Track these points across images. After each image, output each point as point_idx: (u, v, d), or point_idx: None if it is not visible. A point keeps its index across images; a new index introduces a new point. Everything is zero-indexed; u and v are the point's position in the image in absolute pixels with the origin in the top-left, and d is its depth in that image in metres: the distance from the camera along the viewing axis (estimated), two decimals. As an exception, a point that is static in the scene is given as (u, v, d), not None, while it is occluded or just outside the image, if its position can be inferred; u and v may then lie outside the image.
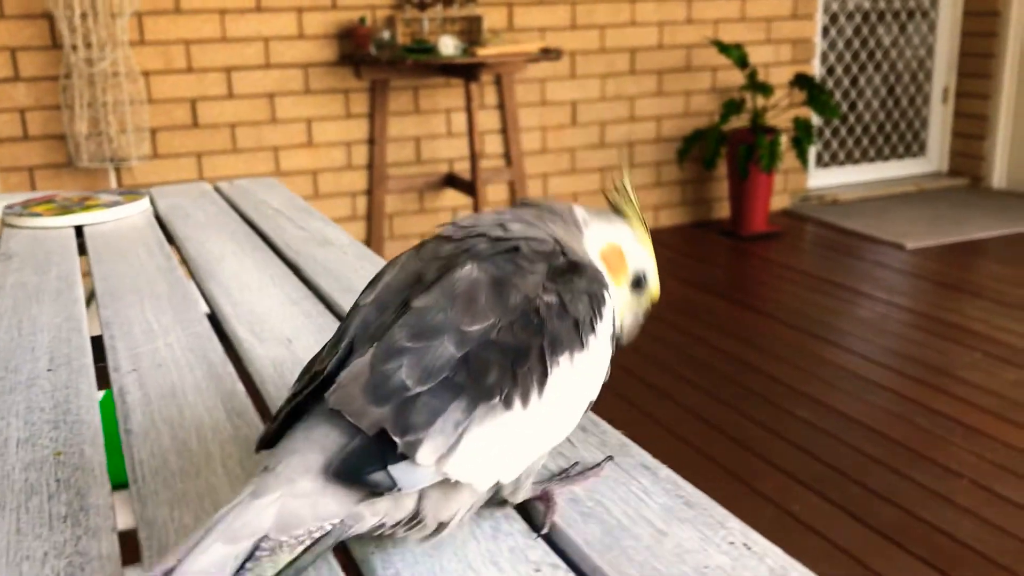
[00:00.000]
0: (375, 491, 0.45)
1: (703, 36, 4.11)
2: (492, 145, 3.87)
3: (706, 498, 0.53)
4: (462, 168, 3.81)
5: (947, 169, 4.88)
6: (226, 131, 3.49)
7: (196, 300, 0.89)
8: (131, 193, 1.30)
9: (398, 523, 0.47)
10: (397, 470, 0.44)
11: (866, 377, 2.64)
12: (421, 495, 0.46)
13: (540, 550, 0.49)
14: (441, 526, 0.48)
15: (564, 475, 0.57)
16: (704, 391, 2.57)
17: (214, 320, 0.84)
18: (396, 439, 0.44)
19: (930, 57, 4.77)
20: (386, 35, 3.52)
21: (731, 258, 3.91)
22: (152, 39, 3.33)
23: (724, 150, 4.06)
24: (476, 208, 3.53)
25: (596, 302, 0.53)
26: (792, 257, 3.85)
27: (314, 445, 0.45)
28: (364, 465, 0.44)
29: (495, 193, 3.91)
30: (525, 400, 0.47)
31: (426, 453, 0.45)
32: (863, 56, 4.64)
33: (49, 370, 0.72)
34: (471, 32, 3.68)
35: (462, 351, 0.46)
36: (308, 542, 0.43)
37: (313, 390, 0.49)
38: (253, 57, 3.47)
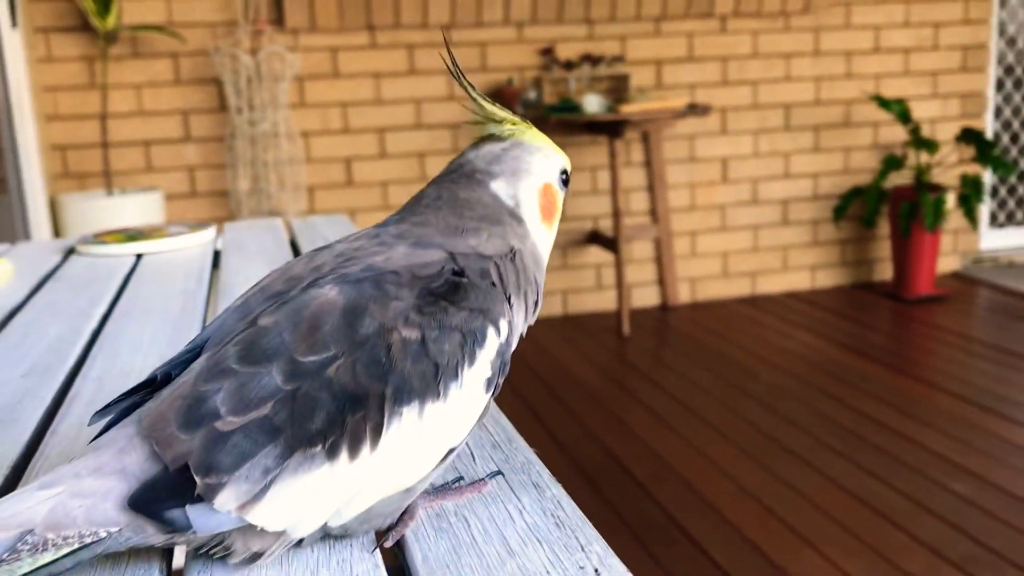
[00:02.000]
0: (170, 528, 0.42)
1: (863, 91, 3.95)
2: (638, 202, 3.83)
3: (582, 520, 0.49)
4: (606, 225, 3.79)
5: None
6: (378, 189, 3.61)
7: (199, 321, 0.90)
8: (199, 226, 1.34)
9: (201, 546, 0.44)
10: (195, 511, 0.41)
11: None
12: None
13: (369, 563, 0.45)
14: (256, 555, 0.44)
15: (441, 488, 0.52)
16: (848, 459, 2.40)
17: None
18: (197, 479, 0.41)
19: (1123, 110, 4.39)
20: (532, 95, 3.56)
21: (892, 322, 3.69)
22: (311, 101, 3.50)
23: (885, 208, 3.86)
24: (618, 266, 3.49)
25: (470, 341, 0.45)
26: (960, 322, 3.58)
27: (118, 455, 0.42)
28: (162, 499, 0.41)
29: (640, 250, 3.86)
30: (354, 452, 0.42)
31: (226, 499, 0.41)
32: (1044, 109, 4.33)
33: (22, 376, 0.74)
34: (618, 90, 3.68)
35: (291, 385, 0.41)
36: (76, 545, 0.40)
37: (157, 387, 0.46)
38: (405, 118, 3.59)
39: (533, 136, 0.56)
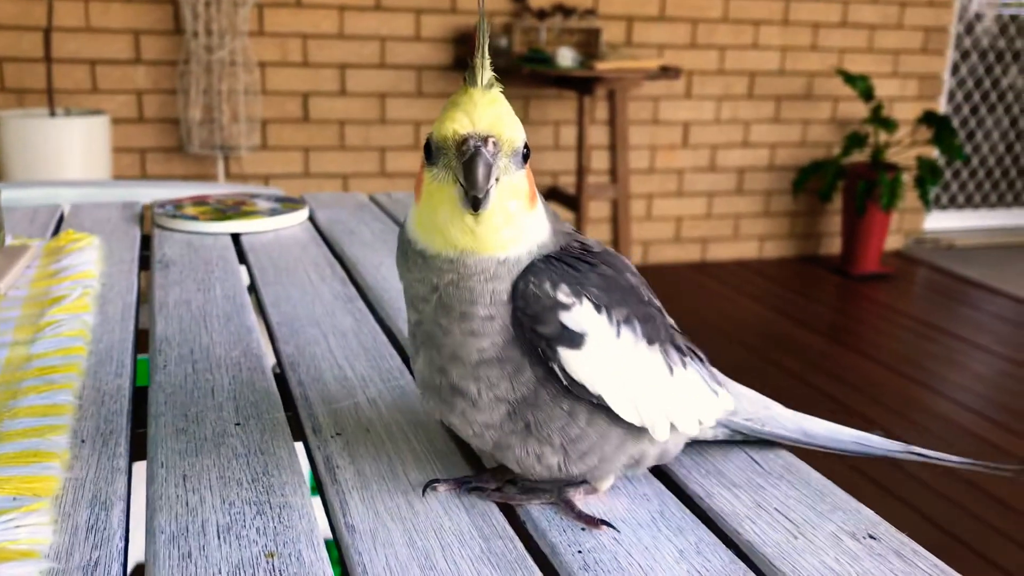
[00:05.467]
0: None
1: (828, 65, 3.96)
2: (597, 161, 3.78)
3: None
4: (566, 182, 3.73)
5: (1073, 220, 4.63)
6: (335, 128, 3.46)
7: (387, 342, 0.77)
8: (289, 200, 1.20)
9: None
10: None
11: (975, 432, 2.49)
12: None
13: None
14: None
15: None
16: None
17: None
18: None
19: (1063, 102, 4.53)
20: (503, 43, 3.46)
21: (838, 297, 3.75)
22: (271, 31, 3.32)
23: (841, 184, 3.90)
24: (579, 224, 3.44)
25: None
26: (903, 301, 3.67)
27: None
28: None
29: (597, 210, 3.82)
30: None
31: None
32: (993, 96, 4.42)
33: (237, 424, 0.61)
34: (588, 45, 3.60)
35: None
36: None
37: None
38: (368, 56, 3.44)
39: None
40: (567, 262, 0.50)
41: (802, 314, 3.45)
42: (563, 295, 0.48)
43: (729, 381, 0.61)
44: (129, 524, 0.50)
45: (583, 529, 0.50)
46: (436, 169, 0.47)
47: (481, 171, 0.45)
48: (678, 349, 0.56)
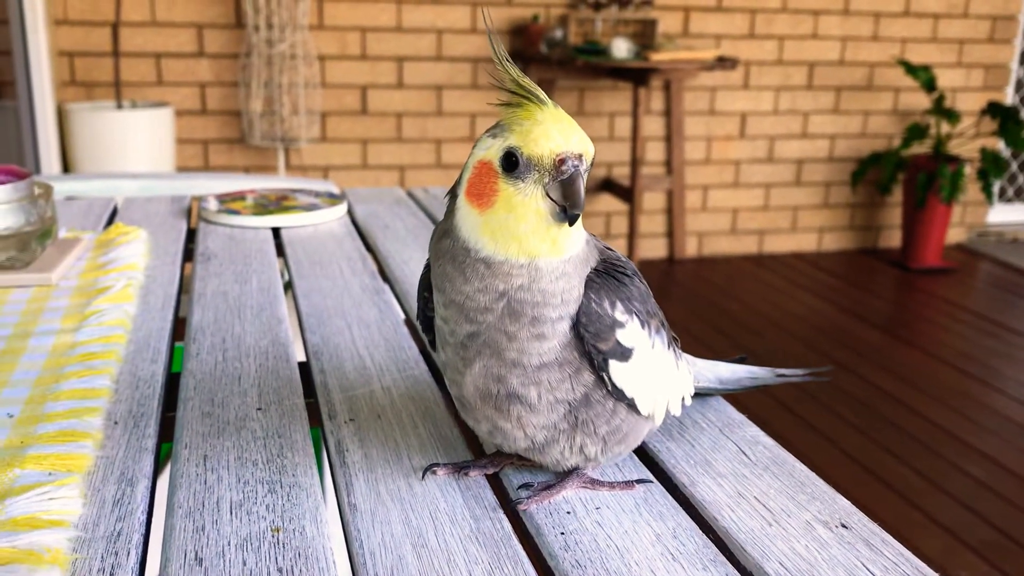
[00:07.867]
0: None
1: (889, 55, 3.89)
2: (653, 152, 3.78)
3: None
4: (620, 173, 3.73)
5: None
6: (392, 120, 3.52)
7: (407, 334, 0.80)
8: (329, 196, 1.25)
9: None
10: None
11: (1043, 436, 2.44)
12: None
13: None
14: None
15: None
16: (861, 431, 2.42)
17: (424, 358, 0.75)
18: None
19: None
20: (558, 34, 3.47)
21: (898, 291, 3.70)
22: (330, 24, 3.38)
23: (901, 176, 3.84)
24: (632, 216, 3.45)
25: None
26: (965, 296, 3.60)
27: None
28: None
29: (651, 201, 3.82)
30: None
31: None
32: (1063, 86, 4.31)
33: (259, 409, 0.65)
34: (644, 35, 3.60)
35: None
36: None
37: None
38: (425, 48, 3.48)
39: (521, 113, 0.50)
40: (615, 276, 0.54)
41: (861, 308, 3.41)
42: (619, 314, 0.53)
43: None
44: (154, 500, 0.55)
45: (568, 513, 0.53)
46: (523, 183, 0.49)
47: (583, 192, 0.49)
48: (675, 340, 0.60)
